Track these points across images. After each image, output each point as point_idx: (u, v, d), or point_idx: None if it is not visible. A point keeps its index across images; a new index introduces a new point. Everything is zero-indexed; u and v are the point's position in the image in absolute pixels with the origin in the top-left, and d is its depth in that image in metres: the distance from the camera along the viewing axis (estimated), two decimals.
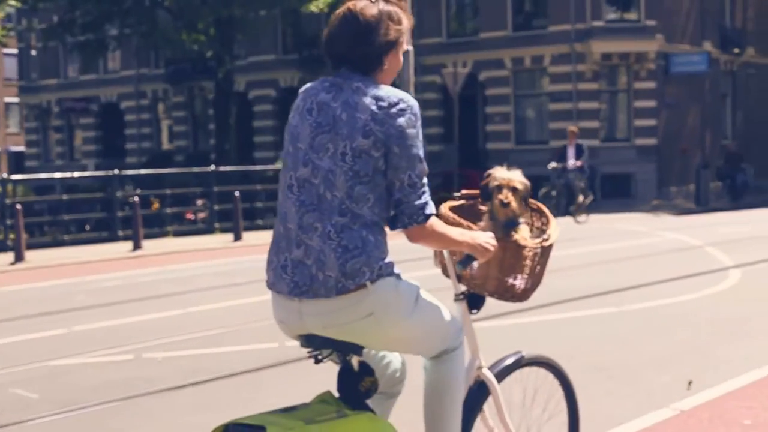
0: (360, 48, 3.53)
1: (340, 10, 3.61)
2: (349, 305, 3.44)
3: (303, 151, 3.51)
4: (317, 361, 3.65)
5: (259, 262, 16.50)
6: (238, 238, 21.77)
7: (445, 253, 4.05)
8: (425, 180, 3.51)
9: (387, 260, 3.48)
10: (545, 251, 4.05)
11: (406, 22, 3.66)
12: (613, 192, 36.27)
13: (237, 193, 22.11)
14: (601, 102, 37.51)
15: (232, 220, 22.35)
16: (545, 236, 4.10)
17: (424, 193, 3.49)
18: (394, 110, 3.45)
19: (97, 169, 44.67)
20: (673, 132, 37.48)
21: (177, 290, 13.67)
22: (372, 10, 3.56)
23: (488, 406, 4.20)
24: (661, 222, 26.05)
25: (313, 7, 34.13)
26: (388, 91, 3.49)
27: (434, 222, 3.55)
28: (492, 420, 4.23)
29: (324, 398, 3.57)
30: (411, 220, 3.48)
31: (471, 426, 4.03)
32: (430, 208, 3.51)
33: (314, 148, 3.48)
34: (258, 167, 31.00)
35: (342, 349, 3.55)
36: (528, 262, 4.01)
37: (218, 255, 19.20)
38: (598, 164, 35.80)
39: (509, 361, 4.26)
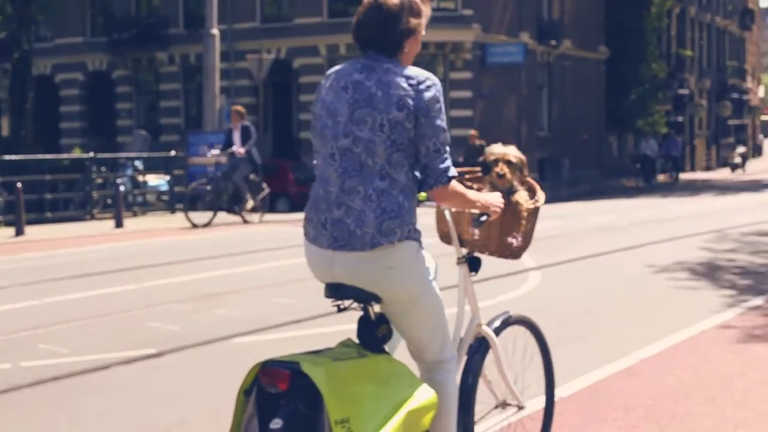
0: (384, 34, 4.02)
1: (366, 1, 4.07)
2: (375, 257, 3.93)
3: (342, 124, 3.97)
4: (339, 310, 4.12)
5: (39, 260, 14.86)
6: (20, 232, 20.14)
7: (449, 221, 4.56)
8: (448, 148, 3.99)
9: (417, 227, 4.01)
10: (535, 212, 4.67)
11: (425, 10, 4.11)
12: None
13: (19, 184, 20.46)
14: None
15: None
16: (536, 198, 4.69)
17: (447, 158, 3.98)
18: (422, 86, 3.94)
19: None
20: (488, 123, 37.10)
21: None
22: (395, 1, 4.04)
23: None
24: None
25: None
26: (415, 71, 3.98)
27: (455, 183, 4.06)
28: (489, 373, 4.77)
29: (346, 343, 4.04)
30: (437, 182, 3.97)
31: (478, 376, 4.60)
32: (453, 171, 4.01)
33: (354, 121, 3.95)
34: (49, 156, 29.10)
35: (363, 298, 4.01)
36: (523, 222, 4.61)
37: None
38: None
39: (500, 320, 4.86)
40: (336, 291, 4.07)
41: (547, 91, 43.34)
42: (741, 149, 61.67)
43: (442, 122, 3.99)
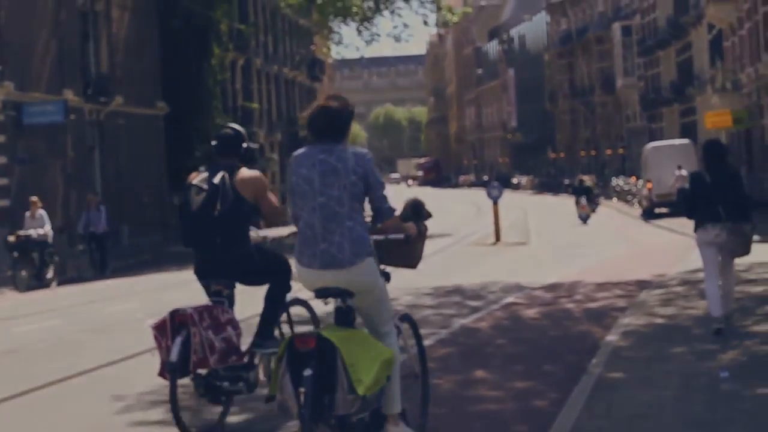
0: (336, 127, 6.56)
1: (317, 105, 6.66)
2: (354, 271, 6.44)
3: (318, 189, 6.44)
4: (326, 303, 6.65)
5: None
6: None
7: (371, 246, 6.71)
8: (386, 192, 6.59)
9: (371, 246, 6.55)
10: (424, 238, 7.22)
11: (352, 108, 6.75)
12: None
13: None
14: None
15: None
16: (424, 227, 7.23)
17: (388, 200, 6.60)
18: (365, 159, 6.53)
19: None
20: (30, 191, 32.72)
21: None
22: (337, 104, 6.64)
23: None
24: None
25: None
26: (356, 149, 6.56)
27: (395, 216, 6.74)
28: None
29: (329, 325, 6.65)
30: (387, 216, 6.64)
31: None
32: (393, 207, 6.65)
33: (325, 186, 6.43)
34: None
35: (343, 295, 6.51)
36: (419, 244, 7.17)
37: None
38: None
39: (399, 317, 7.24)
40: (324, 292, 6.55)
41: (99, 152, 39.57)
42: None
43: (380, 177, 6.61)
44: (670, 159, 40.62)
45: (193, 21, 44.45)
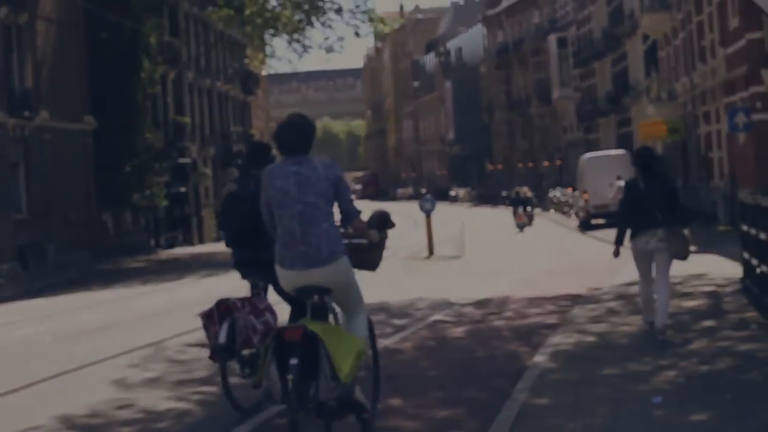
0: (302, 142, 7.34)
1: (283, 122, 7.46)
2: (332, 268, 7.15)
3: (295, 197, 7.17)
4: (306, 300, 7.31)
5: None
6: None
7: None
8: (354, 196, 7.76)
9: (343, 246, 7.28)
10: (383, 243, 8.15)
11: (314, 123, 7.64)
12: None
13: None
14: None
15: None
16: (385, 234, 8.15)
17: (354, 203, 7.45)
18: (333, 166, 7.35)
19: None
20: None
21: None
22: (301, 121, 7.44)
23: None
24: None
25: None
26: (324, 160, 7.41)
27: (364, 221, 7.67)
28: None
29: (307, 320, 7.14)
30: (354, 218, 7.45)
31: None
32: (360, 210, 7.46)
33: (302, 193, 7.17)
34: None
35: (321, 292, 7.20)
36: (380, 250, 8.07)
37: None
38: None
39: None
40: (304, 290, 7.22)
41: (24, 169, 38.42)
42: None
43: (347, 184, 7.39)
44: (606, 170, 40.31)
45: (122, 34, 43.41)
